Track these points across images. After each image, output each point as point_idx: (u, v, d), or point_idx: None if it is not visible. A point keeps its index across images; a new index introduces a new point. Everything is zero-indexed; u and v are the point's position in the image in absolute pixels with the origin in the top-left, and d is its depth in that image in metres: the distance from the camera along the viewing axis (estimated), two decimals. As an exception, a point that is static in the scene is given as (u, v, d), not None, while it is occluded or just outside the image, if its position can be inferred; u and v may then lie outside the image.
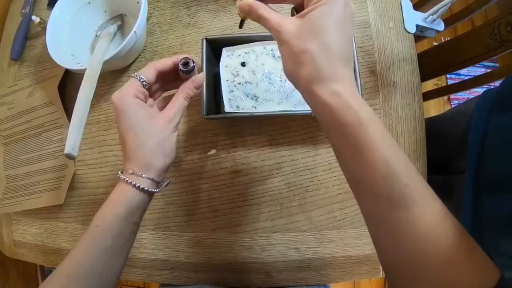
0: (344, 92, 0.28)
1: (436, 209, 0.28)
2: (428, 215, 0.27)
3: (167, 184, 0.40)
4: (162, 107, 0.40)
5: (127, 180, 0.35)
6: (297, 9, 0.34)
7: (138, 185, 0.35)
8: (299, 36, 0.29)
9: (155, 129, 0.36)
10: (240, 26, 0.37)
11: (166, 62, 0.39)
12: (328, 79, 0.28)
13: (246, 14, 0.34)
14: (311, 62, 0.29)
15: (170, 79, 0.41)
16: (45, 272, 0.83)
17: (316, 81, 0.29)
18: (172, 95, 0.40)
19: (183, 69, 0.38)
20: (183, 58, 0.38)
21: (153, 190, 0.37)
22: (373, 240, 0.32)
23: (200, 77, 0.40)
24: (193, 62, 0.39)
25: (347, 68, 0.30)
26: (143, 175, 0.36)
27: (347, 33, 0.30)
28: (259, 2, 0.33)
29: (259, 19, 0.32)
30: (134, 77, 0.37)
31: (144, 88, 0.37)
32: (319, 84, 0.29)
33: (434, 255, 0.27)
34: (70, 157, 0.42)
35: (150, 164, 0.36)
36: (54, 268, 0.94)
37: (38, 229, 0.58)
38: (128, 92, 0.36)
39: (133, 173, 0.36)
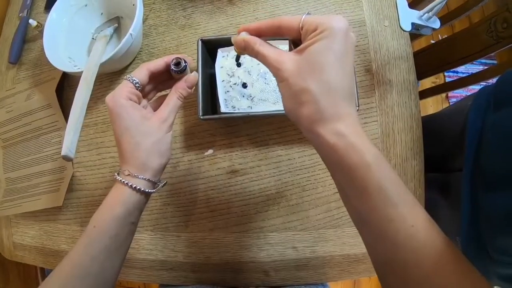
0: (347, 132, 0.27)
1: (441, 245, 0.27)
2: (432, 253, 0.27)
3: (164, 184, 0.40)
4: (156, 108, 0.40)
5: (123, 181, 0.36)
6: (295, 42, 0.32)
7: (135, 186, 0.36)
8: (299, 74, 0.28)
9: (150, 130, 0.37)
10: (237, 60, 0.37)
11: (158, 63, 0.39)
12: (330, 119, 0.28)
13: (242, 50, 0.33)
14: (312, 102, 0.28)
15: (163, 79, 0.42)
16: (46, 274, 0.83)
17: (318, 121, 0.28)
18: (166, 95, 0.40)
19: (175, 69, 0.39)
20: (175, 58, 0.39)
21: (149, 190, 0.37)
22: (368, 252, 0.32)
23: (193, 77, 0.40)
24: (185, 62, 0.39)
25: (349, 105, 0.29)
26: (140, 176, 0.36)
27: (348, 67, 0.29)
28: (255, 38, 0.32)
29: (256, 55, 0.32)
30: (126, 79, 0.37)
31: (137, 89, 0.38)
32: (321, 125, 0.28)
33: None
34: (67, 158, 0.42)
35: (146, 165, 0.36)
36: (54, 270, 0.94)
37: (37, 231, 0.58)
38: (121, 94, 0.36)
39: (129, 174, 0.36)
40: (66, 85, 0.61)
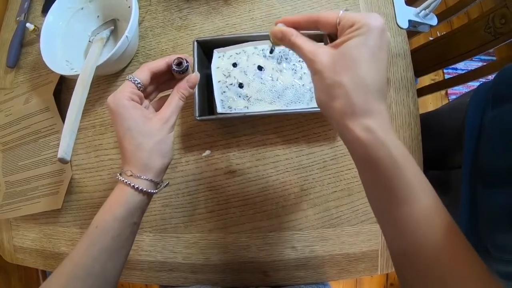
0: (377, 128, 0.28)
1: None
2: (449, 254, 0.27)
3: (166, 185, 0.40)
4: (158, 108, 0.39)
5: (125, 182, 0.35)
6: (331, 37, 0.33)
7: (137, 186, 0.35)
8: (333, 67, 0.29)
9: (152, 130, 0.36)
10: (271, 52, 0.38)
11: (159, 63, 0.39)
12: (361, 114, 0.28)
13: (279, 41, 0.34)
14: (344, 96, 0.28)
15: (165, 79, 0.41)
16: (47, 277, 0.84)
17: (349, 115, 0.29)
18: (167, 96, 0.40)
19: (176, 69, 0.38)
20: (176, 58, 0.38)
21: (151, 191, 0.37)
22: (387, 243, 0.33)
23: (195, 76, 0.40)
24: (187, 62, 0.39)
25: (381, 102, 0.29)
26: (142, 176, 0.36)
27: (382, 64, 0.29)
28: (291, 29, 0.33)
29: (292, 46, 0.32)
30: (128, 79, 0.37)
31: (139, 90, 0.37)
32: (352, 119, 0.29)
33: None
34: (63, 161, 0.42)
35: (148, 165, 0.36)
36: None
37: (37, 234, 0.58)
38: (123, 95, 0.36)
39: (131, 175, 0.36)
40: (64, 88, 0.61)
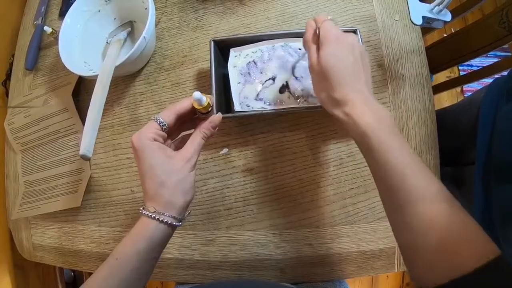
0: (352, 112, 0.36)
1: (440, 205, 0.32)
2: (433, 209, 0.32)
3: (188, 214, 0.41)
4: (179, 147, 0.40)
5: (150, 215, 0.36)
6: None
7: (162, 219, 0.36)
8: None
9: (174, 169, 0.37)
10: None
11: (184, 104, 0.39)
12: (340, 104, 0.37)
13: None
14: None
15: (187, 119, 0.42)
16: (64, 275, 0.85)
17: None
18: (189, 135, 0.40)
19: (203, 111, 0.39)
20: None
21: (175, 223, 0.38)
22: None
23: (217, 117, 0.41)
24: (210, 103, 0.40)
25: (355, 91, 0.37)
26: (165, 213, 0.37)
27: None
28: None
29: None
30: (154, 120, 0.38)
31: (164, 131, 0.38)
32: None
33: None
34: (84, 158, 0.43)
35: (171, 202, 0.37)
36: (72, 270, 0.94)
37: (56, 232, 0.59)
38: (148, 135, 0.37)
39: (155, 211, 0.36)
40: (82, 89, 0.63)
